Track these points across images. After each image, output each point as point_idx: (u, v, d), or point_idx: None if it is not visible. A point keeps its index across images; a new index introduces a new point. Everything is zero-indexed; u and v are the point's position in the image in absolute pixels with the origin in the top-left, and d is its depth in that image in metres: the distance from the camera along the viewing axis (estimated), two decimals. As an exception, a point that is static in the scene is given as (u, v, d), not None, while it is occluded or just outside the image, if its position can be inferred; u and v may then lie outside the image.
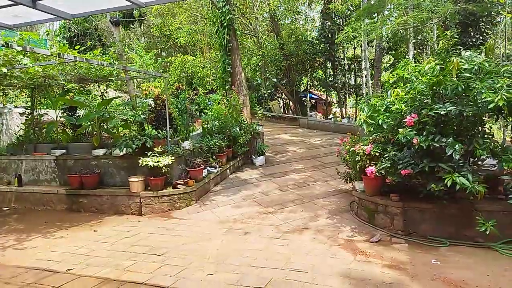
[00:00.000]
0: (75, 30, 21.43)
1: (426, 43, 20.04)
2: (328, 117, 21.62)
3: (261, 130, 12.45)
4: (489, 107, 4.95)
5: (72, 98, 9.86)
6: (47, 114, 10.77)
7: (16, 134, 10.28)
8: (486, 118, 5.98)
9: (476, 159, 5.72)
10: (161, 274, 4.64)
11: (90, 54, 8.24)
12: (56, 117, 9.60)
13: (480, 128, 5.68)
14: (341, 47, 23.03)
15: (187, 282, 4.37)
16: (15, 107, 12.71)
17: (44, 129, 10.09)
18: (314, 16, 26.95)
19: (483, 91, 5.05)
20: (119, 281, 4.47)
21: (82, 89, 10.48)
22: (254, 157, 11.39)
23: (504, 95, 4.80)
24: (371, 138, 6.97)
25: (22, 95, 13.39)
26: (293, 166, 11.12)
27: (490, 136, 5.65)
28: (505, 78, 5.14)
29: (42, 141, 10.00)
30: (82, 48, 7.79)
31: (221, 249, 5.52)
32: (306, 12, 26.13)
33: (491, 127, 6.15)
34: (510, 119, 5.64)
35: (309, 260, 4.95)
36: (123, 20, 16.33)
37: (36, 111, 10.38)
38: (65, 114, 10.08)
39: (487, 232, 4.97)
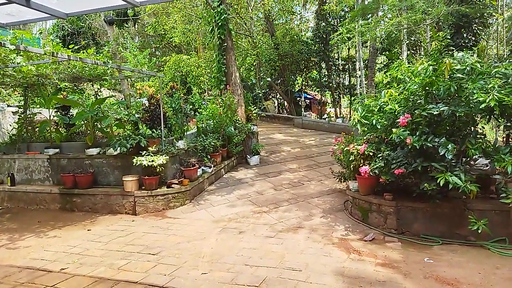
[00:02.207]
0: (69, 29, 21.28)
1: (419, 44, 20.20)
2: (323, 117, 21.70)
3: (256, 130, 12.47)
4: (480, 107, 5.02)
5: (65, 97, 9.80)
6: (40, 113, 10.70)
7: (9, 133, 10.19)
8: (479, 119, 6.06)
9: (468, 159, 5.77)
10: (156, 273, 4.64)
11: (83, 53, 8.21)
12: (50, 116, 9.54)
13: (472, 128, 5.75)
14: (336, 48, 23.11)
15: (182, 281, 4.38)
16: (8, 106, 12.61)
17: (37, 128, 10.02)
18: (308, 17, 27.04)
19: (475, 92, 5.12)
20: (113, 280, 4.46)
21: (75, 88, 10.42)
22: (248, 157, 11.40)
23: (495, 95, 4.87)
24: (365, 138, 7.02)
25: (15, 94, 13.29)
26: (288, 165, 11.15)
27: (482, 136, 5.71)
28: (496, 79, 5.22)
29: (35, 140, 9.93)
30: (76, 47, 7.76)
31: (215, 248, 5.53)
32: (301, 13, 26.22)
33: (483, 127, 6.23)
34: (502, 119, 5.72)
35: (303, 259, 4.98)
36: (117, 19, 16.26)
37: (29, 110, 10.30)
38: (58, 113, 10.02)
39: (479, 231, 5.04)
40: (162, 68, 21.03)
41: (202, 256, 5.20)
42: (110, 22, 13.67)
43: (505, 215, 5.50)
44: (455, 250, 5.33)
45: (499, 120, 5.89)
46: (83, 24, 21.56)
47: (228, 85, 12.09)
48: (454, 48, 6.40)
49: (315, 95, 28.87)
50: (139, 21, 24.56)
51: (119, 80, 12.05)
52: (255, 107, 16.51)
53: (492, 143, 5.65)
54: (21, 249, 5.83)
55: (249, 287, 4.17)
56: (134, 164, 7.65)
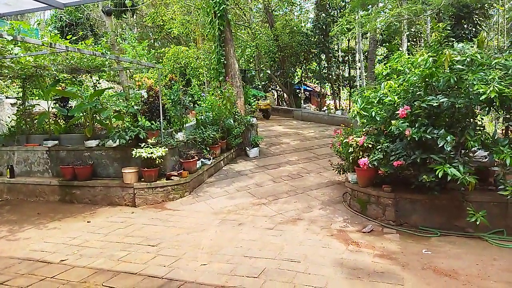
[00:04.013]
0: (67, 20, 21.14)
1: (419, 35, 20.11)
2: (322, 109, 21.67)
3: (255, 122, 12.44)
4: (480, 99, 5.00)
5: (64, 88, 9.76)
6: (38, 104, 10.66)
7: (7, 125, 10.16)
8: (478, 110, 6.05)
9: (467, 151, 5.77)
10: (155, 264, 4.67)
11: (82, 44, 8.16)
12: (48, 108, 9.51)
13: (471, 120, 5.74)
14: (336, 39, 23.01)
15: (181, 272, 4.40)
16: (6, 97, 12.57)
17: (36, 120, 10.00)
18: (308, 8, 26.84)
19: (475, 83, 5.09)
20: (113, 272, 4.49)
21: (74, 79, 10.37)
22: (248, 149, 11.39)
23: (495, 87, 4.84)
24: (364, 130, 7.01)
25: (13, 86, 13.23)
26: (287, 157, 11.15)
27: (482, 128, 5.70)
28: (496, 70, 5.19)
29: (34, 132, 9.90)
30: (74, 38, 7.71)
31: (215, 239, 5.55)
32: (301, 3, 26.00)
33: (482, 119, 6.21)
34: (501, 111, 5.70)
35: (302, 250, 5.00)
36: (115, 9, 16.12)
37: (28, 102, 10.26)
38: (57, 105, 9.98)
39: (477, 223, 5.05)
40: (161, 60, 20.90)
41: (202, 247, 5.22)
42: (108, 13, 13.51)
43: (503, 207, 5.52)
44: (453, 241, 5.36)
45: (499, 112, 5.87)
46: (81, 15, 21.42)
47: (227, 77, 12.04)
48: (454, 39, 6.35)
49: (315, 87, 28.78)
50: (138, 11, 24.35)
51: (118, 71, 11.98)
52: (254, 99, 16.42)
53: (491, 135, 5.65)
54: (21, 240, 5.85)
55: (248, 278, 4.19)
56: (133, 156, 7.65)
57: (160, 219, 6.71)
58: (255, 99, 17.30)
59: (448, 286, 3.98)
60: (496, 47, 13.75)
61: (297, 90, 25.16)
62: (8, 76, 9.75)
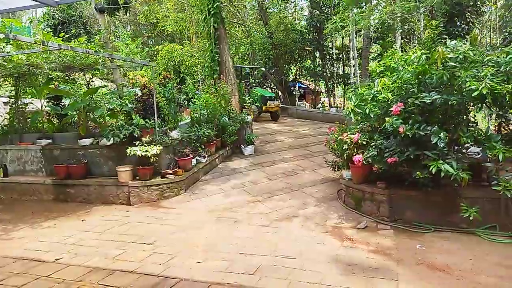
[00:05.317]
0: (59, 18, 20.96)
1: (413, 32, 20.19)
2: (317, 107, 21.70)
3: (250, 120, 12.43)
4: (473, 96, 5.04)
5: (57, 87, 9.68)
6: (32, 103, 10.58)
7: (0, 124, 10.08)
8: (471, 107, 6.09)
9: (460, 147, 5.82)
10: (151, 262, 4.67)
11: (75, 42, 8.10)
12: (41, 107, 9.44)
13: (464, 116, 5.79)
14: (330, 37, 23.01)
15: (177, 270, 4.41)
16: (-1, 96, 12.46)
17: (29, 119, 9.92)
18: (303, 5, 26.84)
19: (467, 80, 5.13)
20: (108, 270, 4.48)
21: (67, 78, 10.30)
22: (243, 147, 11.39)
23: (487, 83, 4.89)
24: (358, 127, 7.04)
25: (6, 84, 13.10)
26: (282, 155, 11.17)
27: (474, 125, 5.76)
28: (489, 67, 5.23)
29: (28, 131, 9.83)
30: (67, 36, 7.65)
31: (210, 237, 5.56)
32: (295, 1, 25.99)
33: (475, 116, 6.26)
34: (494, 107, 5.75)
35: (298, 247, 5.03)
36: (108, 7, 16.00)
37: (21, 101, 10.18)
38: (50, 103, 9.91)
39: (471, 218, 5.09)
40: (154, 58, 20.79)
41: (197, 245, 5.23)
42: (101, 10, 13.40)
43: (496, 203, 5.57)
44: (447, 237, 5.41)
45: (491, 109, 5.93)
46: (74, 13, 21.25)
47: (221, 75, 12.01)
48: (447, 37, 6.39)
49: (309, 84, 28.80)
50: (131, 9, 24.18)
51: (111, 69, 11.91)
52: (249, 97, 16.37)
53: (484, 131, 5.69)
54: (15, 239, 5.82)
55: (244, 275, 4.21)
56: (127, 154, 7.61)
57: (155, 217, 6.70)
58: (254, 99, 17.08)
59: (442, 281, 4.02)
60: (489, 44, 13.86)
61: (292, 88, 25.14)
62: (1, 75, 9.66)
